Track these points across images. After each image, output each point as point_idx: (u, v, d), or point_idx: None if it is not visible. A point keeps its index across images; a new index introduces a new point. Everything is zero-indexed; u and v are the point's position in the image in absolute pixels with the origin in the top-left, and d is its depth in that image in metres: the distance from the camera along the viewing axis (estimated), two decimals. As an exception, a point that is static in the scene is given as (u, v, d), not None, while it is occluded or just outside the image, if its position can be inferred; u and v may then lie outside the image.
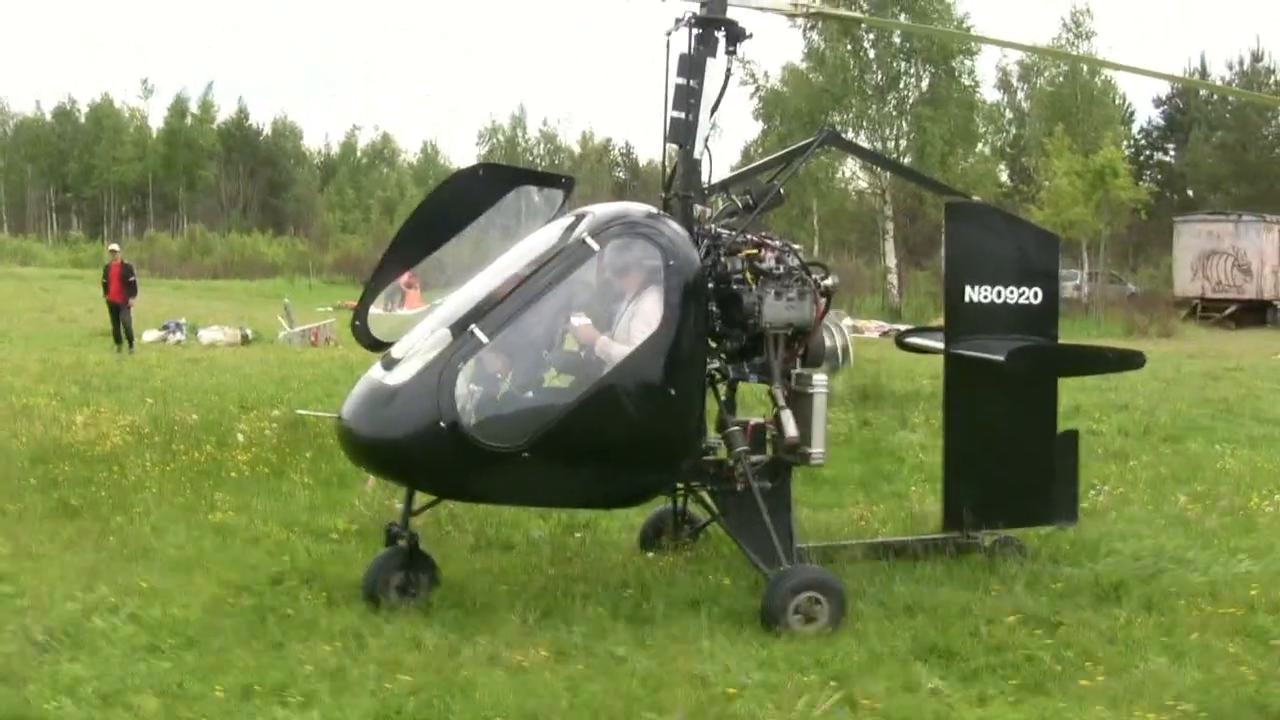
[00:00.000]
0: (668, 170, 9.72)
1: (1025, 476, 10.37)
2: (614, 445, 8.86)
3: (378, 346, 9.53)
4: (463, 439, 8.41)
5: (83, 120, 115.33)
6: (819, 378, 9.51)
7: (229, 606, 8.86)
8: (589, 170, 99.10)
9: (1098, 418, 17.85)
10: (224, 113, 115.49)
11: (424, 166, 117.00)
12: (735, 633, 8.58)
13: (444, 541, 10.55)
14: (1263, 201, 64.74)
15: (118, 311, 29.74)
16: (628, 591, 9.33)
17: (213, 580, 9.48)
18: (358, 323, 9.64)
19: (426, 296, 10.29)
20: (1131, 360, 11.23)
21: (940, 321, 10.98)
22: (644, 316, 8.91)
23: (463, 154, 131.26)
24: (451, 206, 9.64)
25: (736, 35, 9.59)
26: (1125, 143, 68.08)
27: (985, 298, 10.24)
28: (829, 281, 9.69)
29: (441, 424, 8.37)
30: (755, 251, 9.47)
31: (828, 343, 9.68)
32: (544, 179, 10.41)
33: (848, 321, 10.08)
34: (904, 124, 58.31)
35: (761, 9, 9.88)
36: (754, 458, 9.34)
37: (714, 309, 9.32)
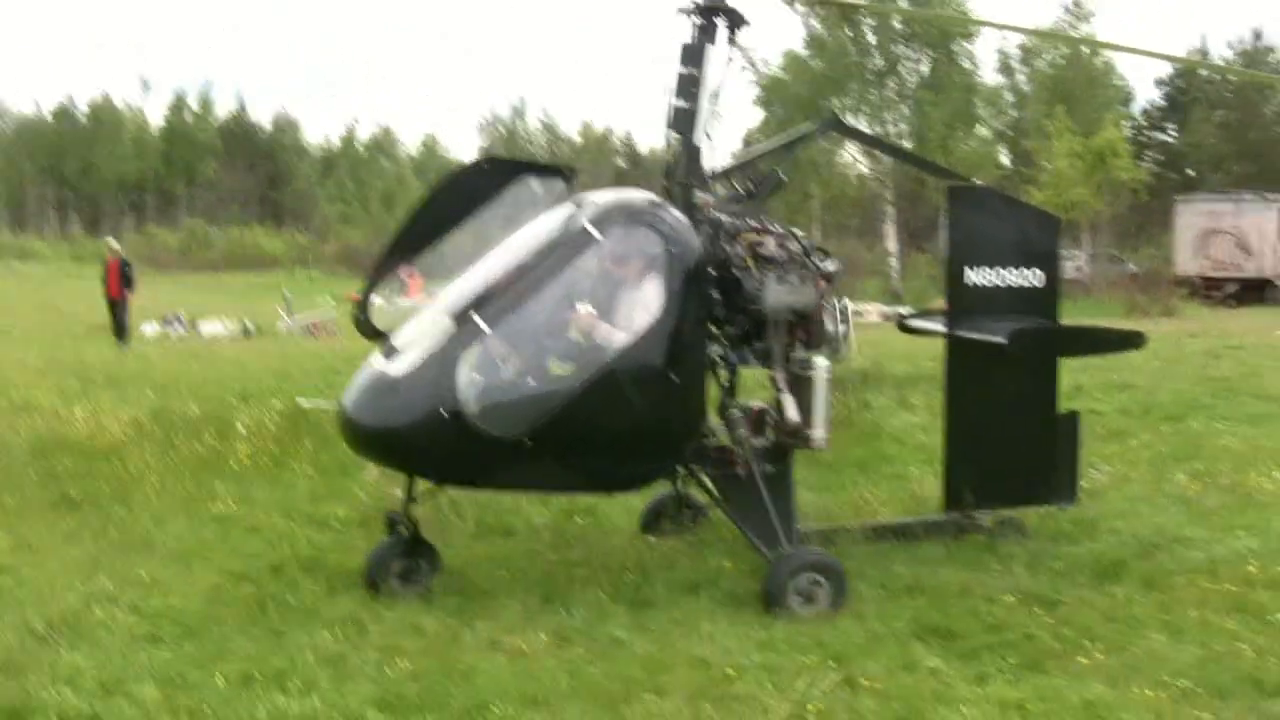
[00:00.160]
0: (669, 158, 9.73)
1: (1026, 457, 10.38)
2: (616, 431, 8.88)
3: (380, 337, 9.54)
4: (464, 427, 8.42)
5: (82, 119, 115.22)
6: (820, 362, 9.53)
7: (229, 595, 8.88)
8: (590, 160, 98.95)
9: (1098, 397, 17.82)
10: (223, 110, 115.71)
11: (425, 159, 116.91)
12: (736, 615, 8.61)
13: (444, 528, 10.57)
14: (1263, 180, 64.58)
15: (115, 307, 29.81)
16: (628, 575, 9.35)
17: (213, 570, 9.51)
18: (360, 314, 9.65)
19: (428, 288, 10.29)
20: (1133, 340, 11.25)
21: (941, 305, 10.98)
22: (645, 304, 8.92)
23: (463, 146, 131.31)
24: (455, 199, 9.62)
25: (737, 23, 9.61)
26: (1126, 123, 67.91)
27: (987, 280, 10.26)
28: (830, 266, 9.70)
29: (443, 413, 8.39)
30: (756, 237, 9.47)
31: (829, 327, 9.69)
32: (546, 169, 10.41)
33: (849, 306, 10.06)
34: (904, 108, 58.19)
35: (761, -5, 9.87)
36: (755, 442, 9.35)
37: (715, 295, 9.33)
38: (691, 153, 9.51)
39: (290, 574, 9.38)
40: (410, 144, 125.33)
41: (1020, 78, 66.99)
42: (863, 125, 54.54)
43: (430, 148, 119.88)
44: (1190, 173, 79.98)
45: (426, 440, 8.56)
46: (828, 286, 9.62)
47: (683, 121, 9.40)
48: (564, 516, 11.27)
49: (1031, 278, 10.37)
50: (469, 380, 8.63)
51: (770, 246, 9.48)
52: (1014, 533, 10.43)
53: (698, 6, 9.50)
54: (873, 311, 39.45)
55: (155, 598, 8.69)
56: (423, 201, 9.79)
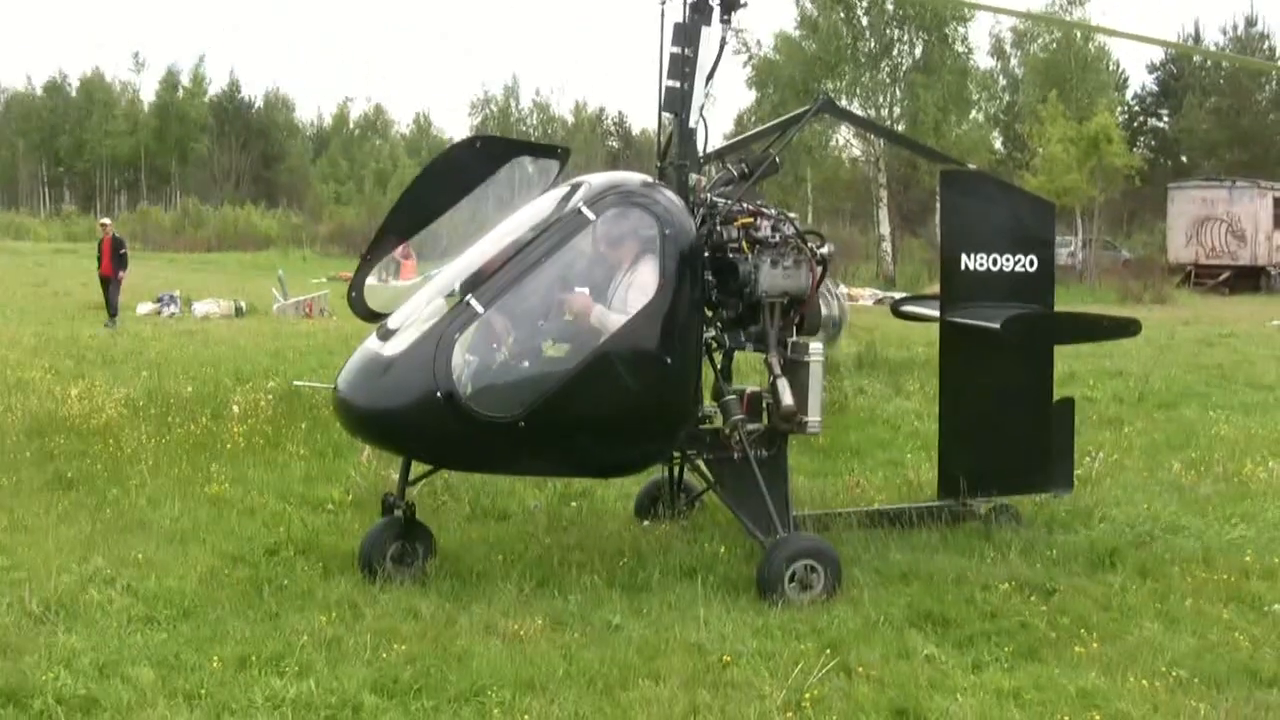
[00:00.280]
0: (663, 139, 9.69)
1: (1020, 444, 10.39)
2: (610, 414, 8.86)
3: (374, 318, 9.54)
4: (459, 409, 8.41)
5: (74, 94, 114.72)
6: (815, 346, 9.50)
7: (225, 577, 8.86)
8: (583, 140, 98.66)
9: (1092, 384, 17.87)
10: (216, 86, 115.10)
11: (416, 138, 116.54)
12: (731, 601, 8.61)
13: (440, 511, 10.57)
14: (1257, 167, 64.75)
15: (108, 285, 29.75)
16: (623, 560, 9.34)
17: (208, 551, 9.50)
18: (354, 294, 9.64)
19: (422, 268, 10.28)
20: (1127, 327, 11.25)
21: (935, 289, 10.97)
22: (640, 286, 8.91)
23: (456, 125, 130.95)
24: (448, 179, 9.62)
25: (731, 4, 9.56)
26: (1119, 109, 67.90)
27: (980, 265, 10.24)
28: (825, 250, 9.67)
29: (438, 394, 8.37)
30: (751, 220, 9.44)
31: (824, 311, 9.67)
32: (540, 150, 10.37)
33: (843, 290, 10.04)
34: (897, 91, 58.07)
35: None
36: (750, 426, 9.33)
37: (710, 278, 9.29)
38: (685, 134, 9.46)
39: (285, 556, 9.37)
40: (403, 122, 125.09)
41: (1013, 62, 66.98)
42: (856, 108, 54.43)
43: (423, 127, 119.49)
44: (1183, 159, 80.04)
45: (420, 422, 8.54)
46: (821, 270, 9.60)
47: (676, 102, 9.36)
48: (560, 500, 11.26)
49: (1025, 263, 10.36)
50: (463, 362, 8.63)
51: (764, 229, 9.44)
52: (1009, 520, 10.43)
53: None
54: (866, 296, 39.48)
55: (151, 579, 8.66)
56: (416, 180, 9.77)
